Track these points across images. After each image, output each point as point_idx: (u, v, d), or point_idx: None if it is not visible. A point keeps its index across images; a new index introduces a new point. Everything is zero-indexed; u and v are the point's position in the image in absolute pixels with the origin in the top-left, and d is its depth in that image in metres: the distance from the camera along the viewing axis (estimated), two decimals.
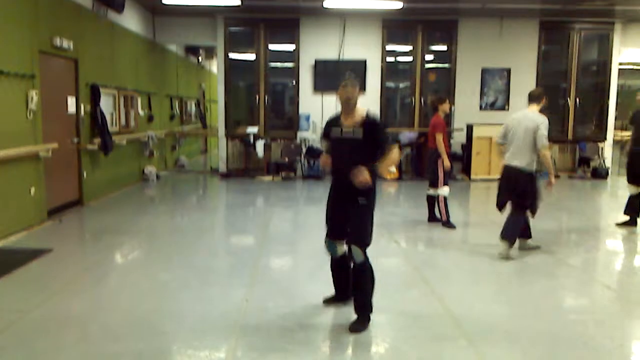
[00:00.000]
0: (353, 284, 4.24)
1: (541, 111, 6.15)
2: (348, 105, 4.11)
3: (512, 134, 6.11)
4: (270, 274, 5.70)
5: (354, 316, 4.17)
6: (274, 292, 4.95)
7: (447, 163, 7.41)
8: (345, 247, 4.33)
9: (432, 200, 7.73)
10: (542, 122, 5.96)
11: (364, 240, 4.10)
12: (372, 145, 4.05)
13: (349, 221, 4.16)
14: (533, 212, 6.22)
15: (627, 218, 7.78)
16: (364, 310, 4.13)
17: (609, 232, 7.72)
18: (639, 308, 4.71)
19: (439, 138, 7.36)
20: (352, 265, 4.17)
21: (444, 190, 7.50)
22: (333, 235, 4.34)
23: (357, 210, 4.10)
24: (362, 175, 3.89)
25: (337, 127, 4.18)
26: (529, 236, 6.47)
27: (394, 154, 4.11)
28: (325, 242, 4.40)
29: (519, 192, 6.07)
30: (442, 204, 7.55)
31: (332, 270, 4.52)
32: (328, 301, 4.58)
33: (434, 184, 7.57)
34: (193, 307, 4.54)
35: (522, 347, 3.89)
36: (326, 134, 4.31)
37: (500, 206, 6.33)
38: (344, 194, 4.15)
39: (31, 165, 7.23)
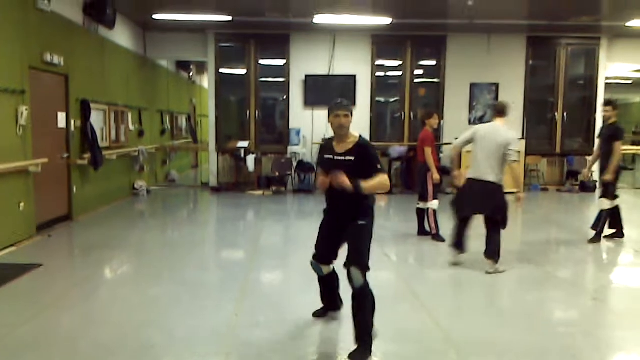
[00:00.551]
0: (352, 310, 3.91)
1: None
2: (341, 132, 4.01)
3: (479, 146, 6.05)
4: (261, 288, 5.70)
5: (344, 329, 4.14)
6: (265, 306, 4.96)
7: (436, 176, 7.47)
8: (330, 268, 4.32)
9: (421, 214, 7.78)
10: (513, 137, 6.01)
11: (363, 262, 3.88)
12: (364, 169, 3.89)
13: (348, 243, 4.01)
14: (504, 225, 6.12)
15: (594, 233, 7.70)
16: (365, 339, 3.81)
17: (597, 245, 7.78)
18: (625, 319, 4.75)
19: (428, 152, 7.43)
20: (350, 287, 3.92)
21: (433, 204, 7.55)
22: (320, 259, 4.29)
23: (356, 231, 3.96)
24: (341, 177, 3.76)
25: (329, 153, 4.09)
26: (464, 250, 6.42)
27: (382, 180, 3.88)
28: (311, 263, 4.34)
29: (493, 206, 6.01)
30: (431, 218, 7.59)
31: (319, 282, 4.48)
32: (317, 314, 4.56)
33: (424, 198, 7.62)
34: (183, 322, 4.53)
35: (510, 359, 3.91)
36: (321, 160, 4.23)
37: (463, 220, 6.30)
38: (340, 216, 4.06)
39: (20, 180, 7.21)
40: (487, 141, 6.00)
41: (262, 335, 4.25)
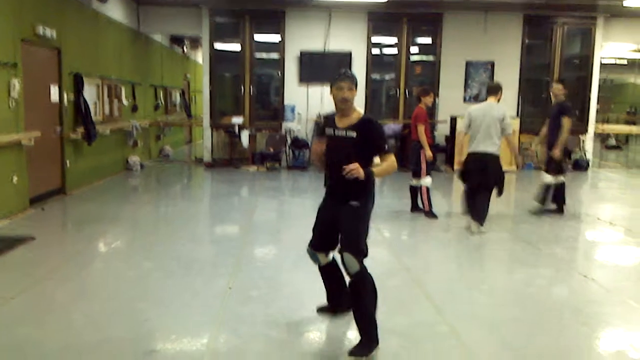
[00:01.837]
0: (350, 301, 3.65)
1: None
2: (344, 106, 3.65)
3: (478, 123, 6.71)
4: (254, 262, 5.73)
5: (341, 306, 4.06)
6: (258, 280, 4.99)
7: (429, 154, 7.48)
8: (329, 257, 3.97)
9: (414, 191, 7.81)
10: (506, 111, 6.80)
11: (356, 246, 3.57)
12: (369, 147, 3.62)
13: (341, 227, 3.68)
14: (501, 192, 6.89)
15: (540, 205, 8.00)
16: (367, 332, 3.53)
17: (589, 223, 7.85)
18: (615, 295, 4.81)
19: (421, 129, 7.43)
20: (345, 274, 3.69)
21: (426, 181, 7.57)
22: (315, 246, 3.92)
23: (349, 215, 3.63)
24: (355, 168, 3.44)
25: (331, 128, 3.74)
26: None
27: (391, 162, 3.65)
28: (308, 251, 3.98)
29: (489, 174, 6.74)
30: (424, 195, 7.62)
31: (321, 275, 4.07)
32: (322, 310, 4.14)
33: (417, 175, 7.64)
34: (176, 295, 4.56)
35: (501, 334, 3.98)
36: (320, 135, 3.92)
37: (472, 189, 6.87)
38: (337, 198, 3.74)
39: (13, 153, 7.18)
40: (485, 117, 6.68)
41: (255, 309, 4.29)
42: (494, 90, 6.91)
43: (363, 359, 3.45)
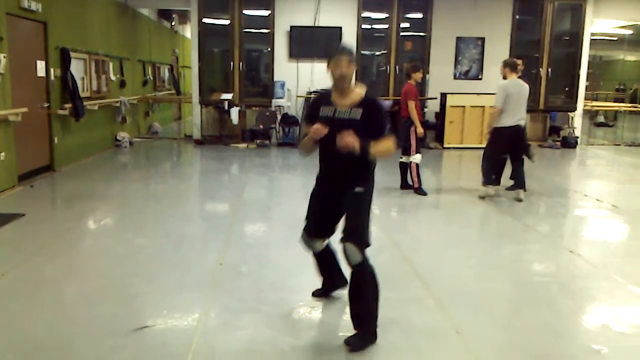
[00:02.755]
0: (349, 292, 3.48)
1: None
2: (343, 83, 3.38)
3: (514, 99, 7.12)
4: (244, 239, 5.75)
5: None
6: (248, 256, 5.02)
7: (420, 130, 7.49)
8: (324, 243, 3.80)
9: (404, 168, 7.83)
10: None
11: (362, 237, 3.37)
12: (371, 129, 3.34)
13: (346, 215, 3.46)
14: (531, 157, 7.80)
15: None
16: (365, 326, 3.41)
17: (577, 200, 7.93)
18: (600, 271, 4.89)
19: (412, 105, 7.43)
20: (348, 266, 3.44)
21: (416, 158, 7.60)
22: (313, 232, 3.71)
23: (353, 202, 3.43)
24: (349, 138, 3.19)
25: (328, 107, 3.46)
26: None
27: (391, 144, 3.40)
28: (302, 237, 3.75)
29: (523, 144, 7.47)
30: (414, 171, 7.65)
31: (316, 261, 3.91)
32: (317, 294, 4.07)
33: (407, 152, 7.66)
34: (167, 271, 4.58)
35: (487, 308, 4.03)
36: (313, 115, 3.52)
37: (502, 160, 7.54)
38: (336, 184, 3.51)
39: (1, 130, 7.11)
40: (519, 94, 7.18)
41: (245, 285, 4.32)
42: (515, 66, 7.31)
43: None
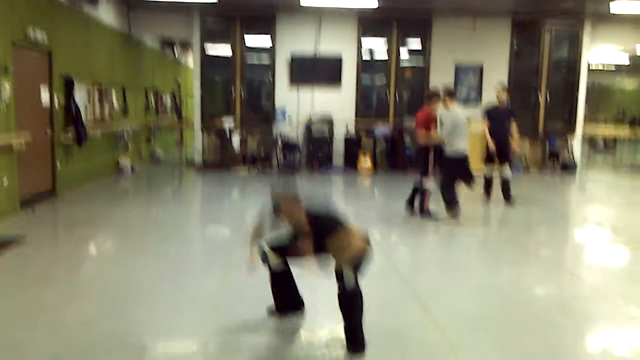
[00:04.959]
0: (342, 311, 3.64)
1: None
2: (291, 222, 3.77)
3: (461, 126, 7.32)
4: (245, 262, 5.75)
5: (333, 303, 4.03)
6: (249, 280, 5.01)
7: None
8: (282, 262, 3.93)
9: (418, 192, 7.79)
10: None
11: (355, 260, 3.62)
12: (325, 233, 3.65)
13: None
14: (472, 184, 7.84)
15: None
16: (358, 337, 3.63)
17: (577, 223, 7.95)
18: (601, 293, 4.89)
19: (421, 133, 7.54)
20: (339, 289, 3.60)
21: (429, 184, 7.61)
22: (276, 249, 3.92)
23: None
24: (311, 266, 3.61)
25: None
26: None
27: (352, 238, 3.66)
28: (260, 247, 3.93)
29: (469, 170, 7.60)
30: (427, 197, 7.64)
31: (271, 281, 4.05)
32: (272, 313, 4.17)
33: (424, 176, 7.66)
34: (168, 296, 4.59)
35: (486, 329, 4.04)
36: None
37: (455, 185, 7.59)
38: None
39: (4, 155, 7.18)
40: (464, 121, 7.41)
41: (246, 309, 4.32)
42: (455, 94, 7.75)
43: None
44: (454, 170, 7.46)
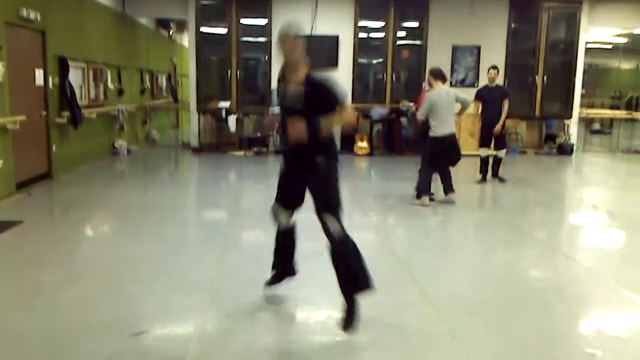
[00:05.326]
0: (334, 263, 3.57)
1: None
2: (290, 62, 3.65)
3: (442, 108, 7.09)
4: (242, 245, 5.78)
5: (328, 286, 3.95)
6: (245, 263, 5.04)
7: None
8: (291, 221, 3.97)
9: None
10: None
11: (333, 205, 3.55)
12: (318, 107, 3.50)
13: (311, 189, 3.68)
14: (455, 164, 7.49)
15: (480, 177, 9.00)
16: (352, 295, 3.52)
17: (573, 206, 7.97)
18: (597, 276, 4.92)
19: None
20: (329, 245, 3.55)
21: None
22: (281, 202, 3.95)
23: (315, 177, 3.63)
24: (298, 126, 3.49)
25: (283, 82, 3.78)
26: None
27: (341, 117, 3.59)
28: (272, 208, 3.98)
29: (458, 150, 7.33)
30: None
31: (276, 240, 4.06)
32: (271, 282, 4.15)
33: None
34: (164, 277, 4.60)
35: (482, 312, 4.06)
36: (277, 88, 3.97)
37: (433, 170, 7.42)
38: (299, 163, 3.74)
39: None
40: (449, 100, 7.17)
41: (242, 291, 4.33)
42: (442, 75, 7.33)
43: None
44: (434, 152, 7.20)
